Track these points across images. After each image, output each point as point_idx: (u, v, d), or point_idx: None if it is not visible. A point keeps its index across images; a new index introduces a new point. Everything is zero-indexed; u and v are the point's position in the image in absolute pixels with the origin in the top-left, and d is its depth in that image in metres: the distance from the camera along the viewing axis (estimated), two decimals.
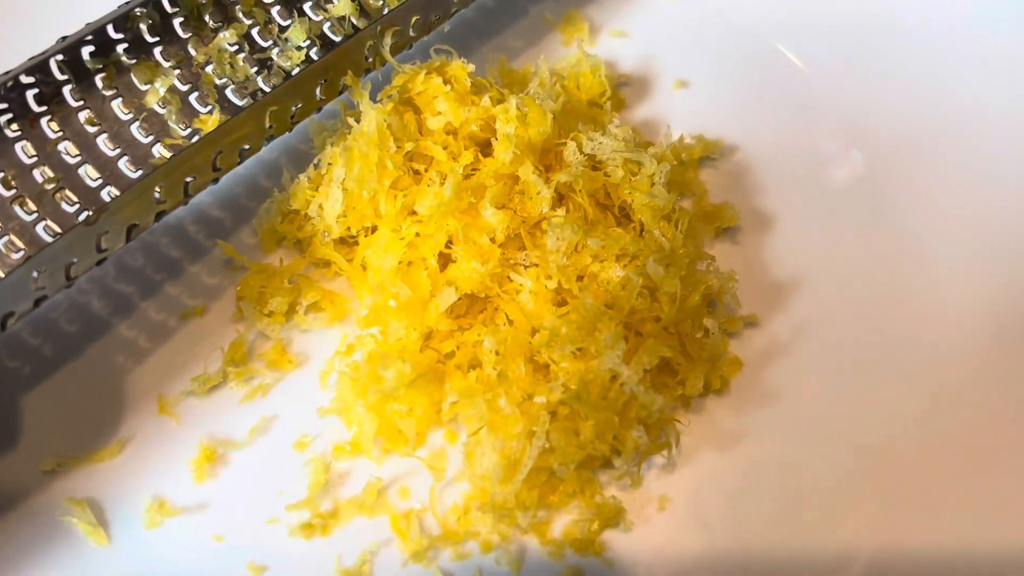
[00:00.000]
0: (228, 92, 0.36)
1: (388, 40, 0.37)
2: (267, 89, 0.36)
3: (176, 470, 0.35)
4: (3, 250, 0.32)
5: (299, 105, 0.36)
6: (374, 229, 0.37)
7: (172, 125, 0.35)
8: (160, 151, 0.35)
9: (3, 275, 0.31)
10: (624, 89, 0.43)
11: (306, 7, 0.38)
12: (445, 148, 0.37)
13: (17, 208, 0.33)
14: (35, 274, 0.31)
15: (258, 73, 0.37)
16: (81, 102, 0.35)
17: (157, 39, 0.36)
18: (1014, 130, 0.42)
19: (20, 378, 0.36)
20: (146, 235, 0.36)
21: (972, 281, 0.39)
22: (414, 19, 0.38)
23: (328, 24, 0.38)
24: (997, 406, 0.37)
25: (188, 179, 0.34)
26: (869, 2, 0.45)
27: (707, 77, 0.44)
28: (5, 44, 0.35)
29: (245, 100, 0.36)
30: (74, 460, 0.35)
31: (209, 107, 0.36)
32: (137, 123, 0.35)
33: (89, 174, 0.34)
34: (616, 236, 0.35)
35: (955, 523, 0.34)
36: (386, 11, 0.37)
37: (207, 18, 0.37)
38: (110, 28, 0.35)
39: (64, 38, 0.34)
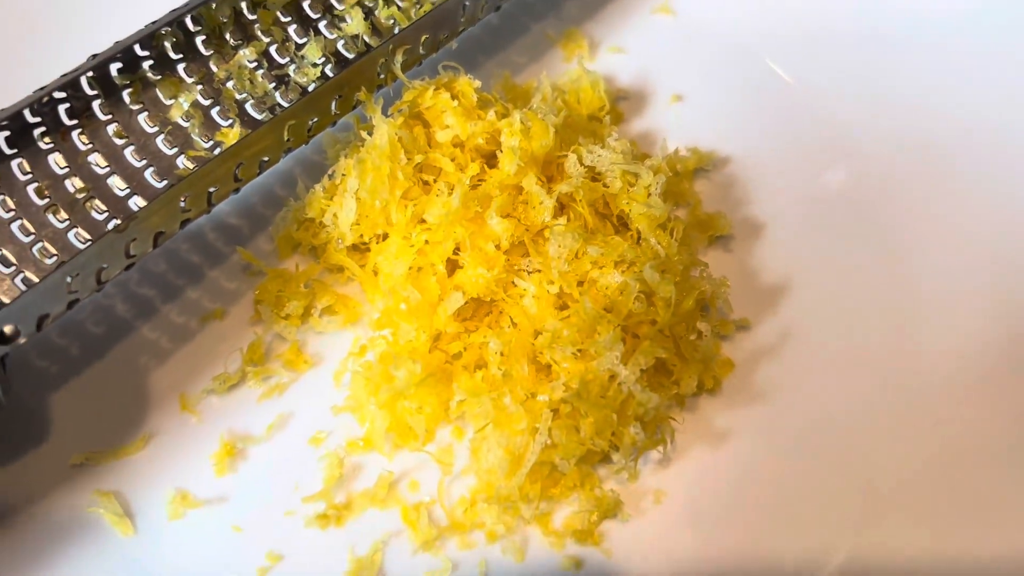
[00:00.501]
0: (248, 107, 0.38)
1: (399, 58, 0.38)
2: (285, 104, 0.38)
3: (197, 464, 0.36)
4: (38, 256, 0.34)
5: (315, 119, 0.37)
6: (385, 236, 0.38)
7: (195, 138, 0.37)
8: (184, 163, 0.36)
9: (38, 280, 0.32)
10: (622, 103, 0.45)
11: (321, 26, 0.39)
12: (453, 160, 0.38)
13: (50, 216, 0.34)
14: (68, 279, 0.32)
15: (276, 89, 0.38)
16: (109, 116, 0.36)
17: (181, 56, 0.37)
18: (997, 142, 0.43)
19: (49, 377, 0.37)
20: (167, 242, 0.37)
21: (954, 286, 0.40)
22: (423, 38, 0.39)
23: (342, 42, 0.39)
24: (979, 408, 0.37)
25: (211, 189, 0.35)
26: (856, 21, 0.46)
27: (701, 92, 0.45)
28: (40, 62, 0.37)
29: (264, 114, 0.37)
30: (101, 455, 0.36)
31: (230, 121, 0.37)
32: (162, 136, 0.36)
33: (117, 184, 0.35)
34: (614, 244, 0.36)
35: (936, 523, 0.35)
36: (397, 30, 0.38)
37: (228, 36, 0.38)
38: (137, 47, 0.36)
39: (94, 56, 0.36)
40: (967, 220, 0.41)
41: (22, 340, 0.31)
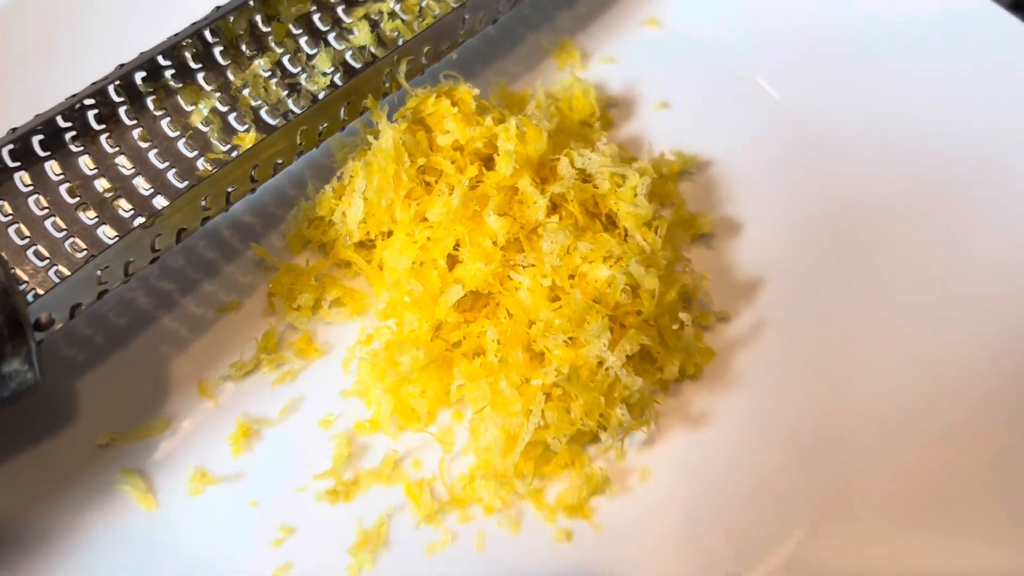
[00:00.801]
0: (263, 113, 0.40)
1: (403, 67, 0.40)
2: (297, 111, 0.40)
3: (215, 445, 0.37)
4: (69, 250, 0.36)
5: (325, 124, 0.40)
6: (390, 234, 0.40)
7: (214, 142, 0.39)
8: (204, 165, 0.38)
9: (70, 273, 0.35)
10: (612, 110, 0.46)
11: (331, 38, 0.42)
12: (453, 162, 0.39)
13: (80, 214, 0.37)
14: (99, 272, 0.35)
15: (289, 96, 0.40)
16: (135, 121, 0.38)
17: (200, 66, 0.40)
18: (970, 150, 0.44)
19: (77, 364, 0.39)
20: (187, 239, 0.39)
21: (922, 280, 0.41)
22: (426, 49, 0.41)
23: (350, 53, 0.41)
24: (946, 398, 0.39)
25: (229, 189, 0.38)
26: (836, 33, 0.47)
27: (686, 99, 0.46)
28: (71, 72, 0.38)
29: (278, 120, 0.39)
30: (125, 436, 0.37)
31: (246, 126, 0.39)
32: (183, 140, 0.38)
33: (142, 184, 0.37)
34: (603, 240, 0.38)
35: (889, 507, 0.36)
36: (401, 42, 0.41)
37: (243, 47, 0.40)
38: (160, 57, 0.38)
39: (121, 65, 0.38)
40: (936, 218, 0.43)
41: (57, 327, 0.34)
